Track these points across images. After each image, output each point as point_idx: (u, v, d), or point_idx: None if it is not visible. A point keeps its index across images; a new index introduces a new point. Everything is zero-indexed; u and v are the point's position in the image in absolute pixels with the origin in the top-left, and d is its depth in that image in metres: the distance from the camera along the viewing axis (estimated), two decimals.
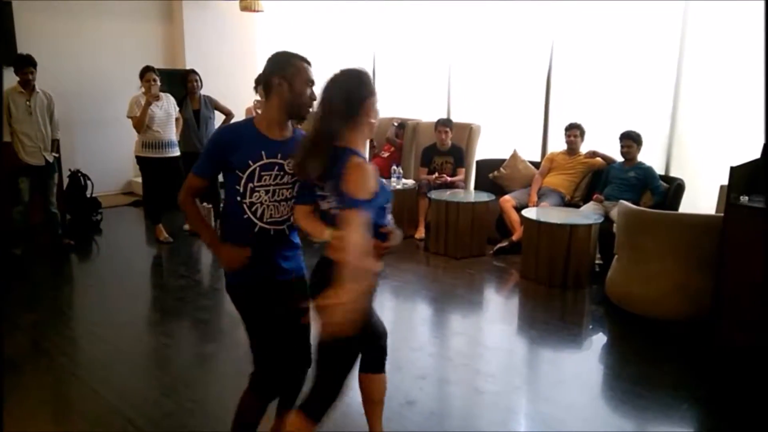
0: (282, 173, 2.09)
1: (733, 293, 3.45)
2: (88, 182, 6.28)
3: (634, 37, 5.28)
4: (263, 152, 2.06)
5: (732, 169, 3.43)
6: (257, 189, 2.06)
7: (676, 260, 3.85)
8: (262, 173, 2.06)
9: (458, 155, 5.99)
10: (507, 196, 5.54)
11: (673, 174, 5.11)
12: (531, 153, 6.03)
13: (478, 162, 6.26)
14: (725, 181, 3.53)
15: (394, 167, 6.02)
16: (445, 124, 5.94)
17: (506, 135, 6.28)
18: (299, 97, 2.06)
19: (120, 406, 2.90)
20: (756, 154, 3.76)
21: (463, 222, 5.28)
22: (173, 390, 3.08)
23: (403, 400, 2.97)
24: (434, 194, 5.54)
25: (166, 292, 4.58)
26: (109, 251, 5.79)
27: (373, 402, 2.43)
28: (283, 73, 2.05)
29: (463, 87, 6.69)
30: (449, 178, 5.89)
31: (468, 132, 6.25)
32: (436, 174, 5.92)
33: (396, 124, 6.75)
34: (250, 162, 2.05)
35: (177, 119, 5.64)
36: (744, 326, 3.42)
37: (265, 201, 2.08)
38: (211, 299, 4.39)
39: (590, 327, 4.06)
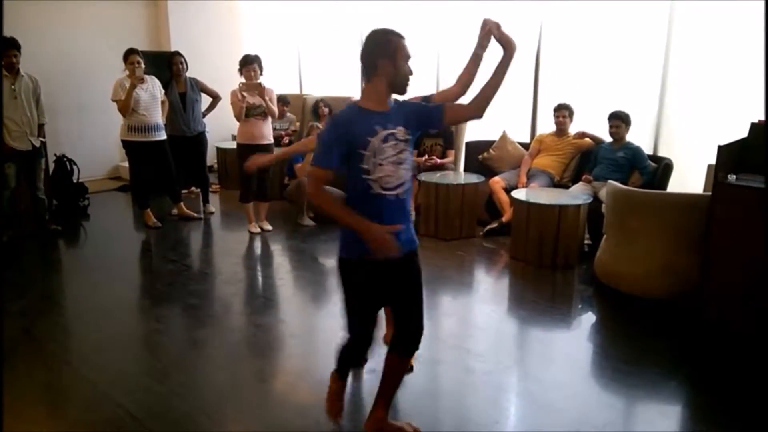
0: (396, 141, 2.24)
1: (720, 271, 3.48)
2: (75, 167, 6.21)
3: (622, 18, 5.25)
4: (377, 127, 2.19)
5: (719, 148, 3.44)
6: (382, 162, 2.20)
7: (664, 239, 3.88)
8: (382, 145, 2.20)
9: (448, 137, 5.97)
10: (496, 178, 5.54)
11: (661, 154, 5.13)
12: (520, 134, 6.02)
13: (467, 144, 6.24)
14: (713, 160, 3.55)
15: None
16: None
17: (495, 116, 6.24)
18: (402, 73, 2.22)
19: (111, 391, 2.89)
20: (743, 132, 3.78)
21: (453, 204, 5.28)
22: (164, 375, 3.08)
23: None
24: (424, 176, 5.52)
25: (156, 278, 4.56)
26: (97, 237, 5.74)
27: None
28: (386, 53, 2.19)
29: (452, 68, 6.64)
30: (439, 161, 5.87)
31: None
32: (426, 156, 5.90)
33: None
34: (369, 138, 2.18)
35: (162, 102, 5.57)
36: (730, 304, 3.46)
37: (388, 170, 2.21)
38: (202, 284, 4.38)
39: (579, 306, 4.10)
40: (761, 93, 4.42)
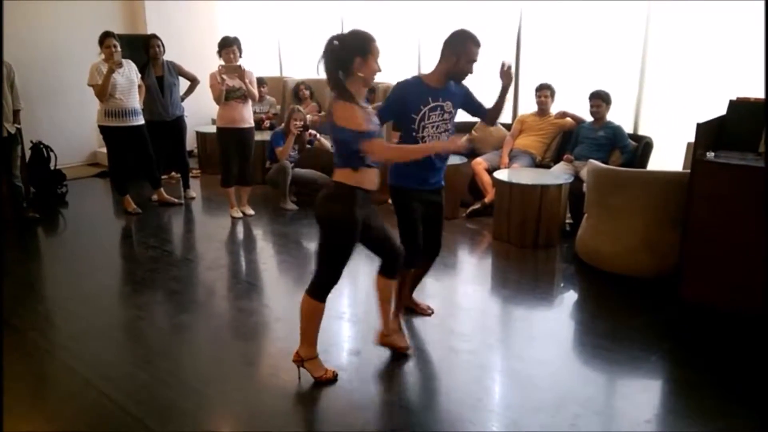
0: (442, 112, 2.95)
1: (699, 248, 3.53)
2: (51, 154, 6.10)
3: None
4: (429, 98, 2.89)
5: (698, 125, 3.47)
6: (426, 125, 2.91)
7: (645, 217, 3.91)
8: (430, 113, 2.91)
9: None
10: (479, 159, 5.54)
11: (641, 132, 5.16)
12: (502, 115, 5.98)
13: None
14: (692, 138, 3.58)
15: None
16: None
17: (477, 97, 6.23)
18: (460, 69, 2.90)
19: (94, 379, 2.87)
20: (721, 110, 3.81)
21: None
22: (148, 362, 3.06)
23: (379, 362, 3.01)
24: None
25: (137, 264, 4.52)
26: (76, 224, 5.66)
27: (383, 301, 2.99)
28: (455, 50, 2.87)
29: (434, 49, 6.59)
30: None
31: None
32: None
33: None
34: (421, 107, 2.88)
35: (139, 87, 5.48)
36: (709, 280, 3.51)
37: (432, 133, 2.93)
38: (183, 270, 4.35)
39: (561, 285, 4.14)
40: (738, 71, 4.48)
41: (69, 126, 7.11)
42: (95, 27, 5.57)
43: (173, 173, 6.70)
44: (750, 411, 2.64)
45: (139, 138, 5.46)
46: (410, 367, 3.01)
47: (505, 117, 5.97)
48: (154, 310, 3.79)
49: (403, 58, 6.76)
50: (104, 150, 6.09)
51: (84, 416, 2.62)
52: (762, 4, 3.72)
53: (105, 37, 5.18)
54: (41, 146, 6.07)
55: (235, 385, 2.86)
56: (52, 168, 6.10)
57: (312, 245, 4.90)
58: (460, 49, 2.86)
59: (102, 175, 7.00)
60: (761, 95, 3.73)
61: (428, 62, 6.58)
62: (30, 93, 6.39)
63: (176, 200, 5.92)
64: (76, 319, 3.55)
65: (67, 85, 6.84)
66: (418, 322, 3.49)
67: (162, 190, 5.89)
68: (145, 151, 5.57)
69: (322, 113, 7.00)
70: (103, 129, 5.38)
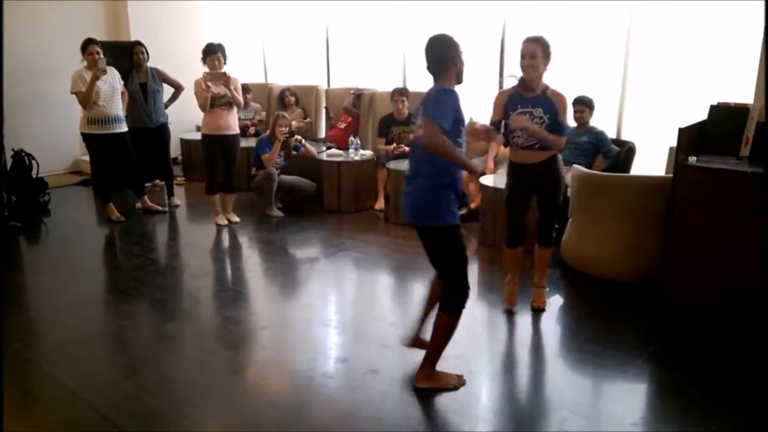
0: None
1: (682, 252, 3.57)
2: (33, 162, 6.03)
3: (585, 5, 5.31)
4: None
5: (680, 130, 3.51)
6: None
7: (628, 221, 3.95)
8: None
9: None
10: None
11: (624, 138, 5.22)
12: (487, 121, 6.02)
13: None
14: (674, 143, 3.62)
15: (351, 138, 5.97)
16: (401, 93, 5.90)
17: (462, 103, 6.27)
18: (461, 71, 2.87)
19: (79, 390, 2.84)
20: (702, 115, 3.86)
21: None
22: (133, 372, 3.03)
23: (366, 369, 3.00)
24: (393, 165, 5.52)
25: (121, 273, 4.47)
26: (59, 233, 5.59)
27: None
28: (458, 54, 2.83)
29: (419, 56, 6.62)
30: (407, 148, 5.87)
31: None
32: (395, 145, 5.90)
33: (353, 93, 6.66)
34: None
35: (122, 93, 5.44)
36: (692, 283, 3.55)
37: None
38: (168, 278, 4.31)
39: (546, 289, 4.15)
40: (719, 77, 4.55)
41: (51, 134, 7.03)
42: (77, 34, 5.52)
43: (157, 181, 6.65)
44: (736, 414, 2.67)
45: (122, 145, 5.41)
46: (397, 373, 3.00)
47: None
48: (139, 319, 3.76)
49: (388, 65, 6.78)
50: (87, 158, 6.04)
51: (69, 428, 2.58)
52: (738, 11, 3.79)
53: (87, 44, 5.14)
54: (23, 154, 5.99)
55: (221, 393, 2.84)
56: (34, 176, 6.02)
57: (299, 251, 4.88)
58: (457, 51, 2.84)
59: (85, 183, 6.92)
60: (741, 100, 3.80)
61: (413, 69, 6.61)
62: (11, 100, 6.31)
63: (160, 208, 5.88)
64: (59, 329, 3.51)
65: (49, 93, 6.77)
66: (406, 327, 3.49)
67: (146, 197, 5.85)
68: (129, 158, 5.52)
69: (308, 119, 7.01)
70: (86, 136, 5.33)
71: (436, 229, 2.74)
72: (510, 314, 3.69)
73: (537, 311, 3.68)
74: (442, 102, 2.70)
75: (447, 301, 2.78)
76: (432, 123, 2.60)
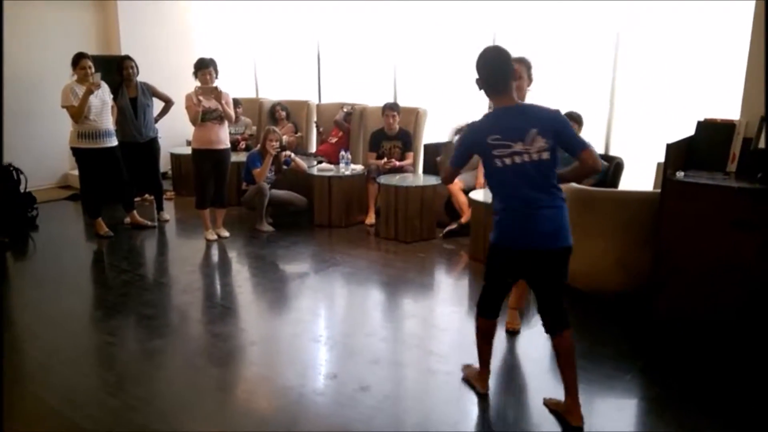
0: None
1: (670, 265, 3.58)
2: (22, 176, 5.99)
3: (573, 20, 5.38)
4: None
5: (668, 146, 3.54)
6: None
7: (617, 236, 3.97)
8: None
9: (406, 139, 6.00)
10: (455, 179, 5.57)
11: (612, 153, 5.26)
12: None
13: (425, 146, 6.27)
14: (662, 158, 3.65)
15: (343, 152, 5.98)
16: (392, 108, 5.93)
17: (453, 118, 6.31)
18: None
19: (63, 408, 2.79)
20: (690, 131, 3.90)
21: (413, 206, 5.30)
22: (119, 388, 2.99)
23: (357, 386, 2.98)
24: (383, 179, 5.53)
25: (109, 288, 4.43)
26: (47, 248, 5.54)
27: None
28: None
29: (410, 71, 6.68)
30: (398, 163, 5.89)
31: (415, 116, 6.26)
32: (385, 159, 5.91)
33: (345, 110, 6.68)
34: None
35: (112, 107, 5.43)
36: (681, 297, 3.56)
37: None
38: (157, 294, 4.28)
39: (536, 304, 4.15)
40: (706, 93, 4.61)
41: (40, 148, 6.99)
42: (67, 48, 5.53)
43: (146, 195, 6.62)
44: (726, 428, 2.67)
45: (111, 160, 5.39)
46: (388, 389, 2.98)
47: None
48: (126, 335, 3.72)
49: (378, 80, 6.82)
50: (76, 172, 6.00)
51: None
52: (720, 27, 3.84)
53: (79, 58, 5.13)
54: (11, 168, 5.95)
55: (209, 410, 2.81)
56: (22, 191, 5.98)
57: (289, 267, 4.86)
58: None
59: (73, 198, 6.88)
60: (728, 116, 3.84)
61: (403, 84, 6.65)
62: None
63: (149, 223, 5.84)
64: (45, 345, 3.46)
65: (38, 107, 6.74)
66: (396, 343, 3.47)
67: (135, 212, 5.81)
68: (118, 173, 5.50)
69: (299, 134, 7.02)
70: (75, 151, 5.31)
71: (570, 247, 2.72)
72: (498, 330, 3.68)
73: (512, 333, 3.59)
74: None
75: (566, 317, 2.76)
76: (592, 148, 2.58)
